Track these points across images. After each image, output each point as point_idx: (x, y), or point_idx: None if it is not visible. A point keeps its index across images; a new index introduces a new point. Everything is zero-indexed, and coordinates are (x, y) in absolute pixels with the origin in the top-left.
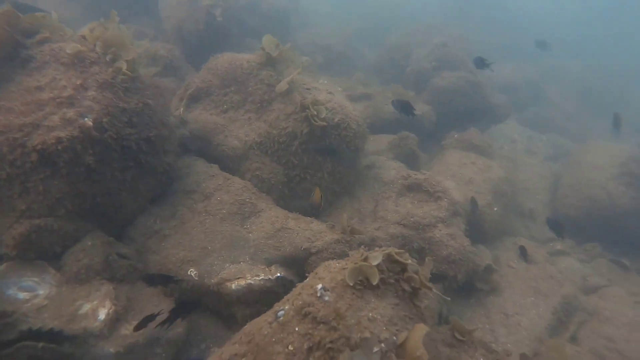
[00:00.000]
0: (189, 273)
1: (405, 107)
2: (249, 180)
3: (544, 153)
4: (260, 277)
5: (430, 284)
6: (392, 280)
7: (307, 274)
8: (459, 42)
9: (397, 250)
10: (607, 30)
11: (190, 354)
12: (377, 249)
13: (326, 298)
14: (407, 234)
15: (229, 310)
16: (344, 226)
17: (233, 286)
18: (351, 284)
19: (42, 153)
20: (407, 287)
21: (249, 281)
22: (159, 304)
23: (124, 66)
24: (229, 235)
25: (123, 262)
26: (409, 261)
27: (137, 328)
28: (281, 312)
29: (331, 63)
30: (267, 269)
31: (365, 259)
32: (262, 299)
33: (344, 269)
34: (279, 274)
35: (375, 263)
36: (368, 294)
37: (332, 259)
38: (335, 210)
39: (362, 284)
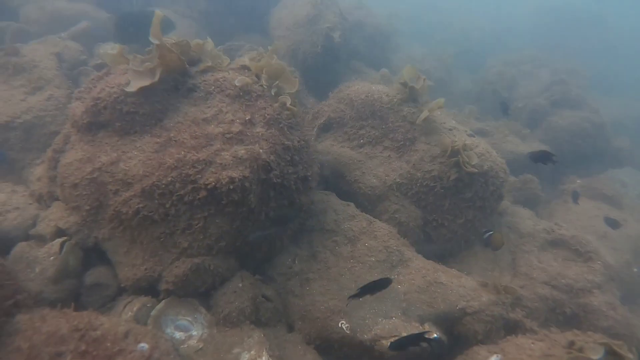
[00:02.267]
0: (339, 325)
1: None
2: (386, 222)
3: None
4: None
5: None
6: None
7: (456, 333)
8: (573, 76)
9: (615, 342)
10: None
11: None
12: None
13: None
14: (558, 298)
15: None
16: (498, 287)
17: (388, 344)
18: None
19: (212, 191)
20: None
21: None
22: (305, 354)
23: (289, 101)
24: None
25: (268, 305)
26: (630, 355)
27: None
28: None
29: (431, 89)
30: (421, 327)
31: (580, 350)
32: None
33: (549, 356)
34: (435, 335)
35: (596, 357)
36: None
37: (489, 321)
38: (467, 258)
39: None
